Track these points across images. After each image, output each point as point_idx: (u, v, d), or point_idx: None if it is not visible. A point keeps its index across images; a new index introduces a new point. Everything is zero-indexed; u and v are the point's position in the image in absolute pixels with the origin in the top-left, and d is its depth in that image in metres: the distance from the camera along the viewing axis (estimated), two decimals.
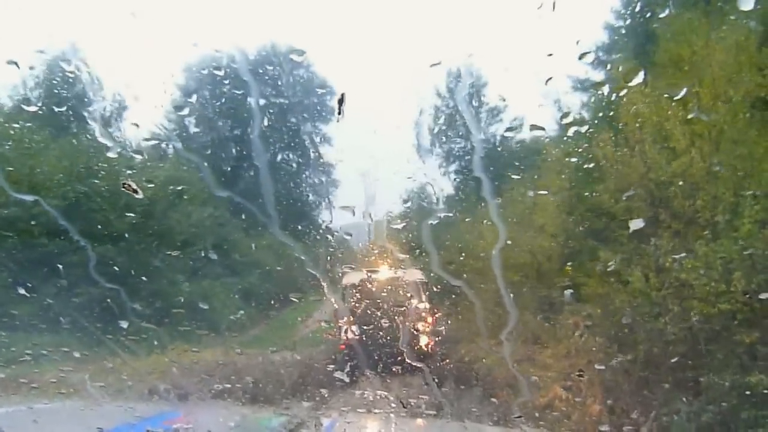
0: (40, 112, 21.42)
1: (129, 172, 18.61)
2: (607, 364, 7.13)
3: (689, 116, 8.70)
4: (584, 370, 7.58)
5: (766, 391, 5.34)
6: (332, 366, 13.24)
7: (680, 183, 8.60)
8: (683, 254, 6.97)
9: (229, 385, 10.77)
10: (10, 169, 15.45)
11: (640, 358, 6.94)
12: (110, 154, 20.81)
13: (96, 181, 17.70)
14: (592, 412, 6.82)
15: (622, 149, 10.34)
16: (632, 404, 6.58)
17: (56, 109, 21.34)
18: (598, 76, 22.57)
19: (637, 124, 9.95)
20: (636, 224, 7.48)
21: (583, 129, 14.07)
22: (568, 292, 8.54)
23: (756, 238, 6.33)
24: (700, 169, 8.21)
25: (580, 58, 23.26)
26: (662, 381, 6.54)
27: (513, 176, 16.31)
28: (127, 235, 17.70)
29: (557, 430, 6.92)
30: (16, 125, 18.80)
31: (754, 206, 6.56)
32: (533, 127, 31.59)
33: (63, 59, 23.19)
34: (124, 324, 11.17)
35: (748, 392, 5.50)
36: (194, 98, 33.56)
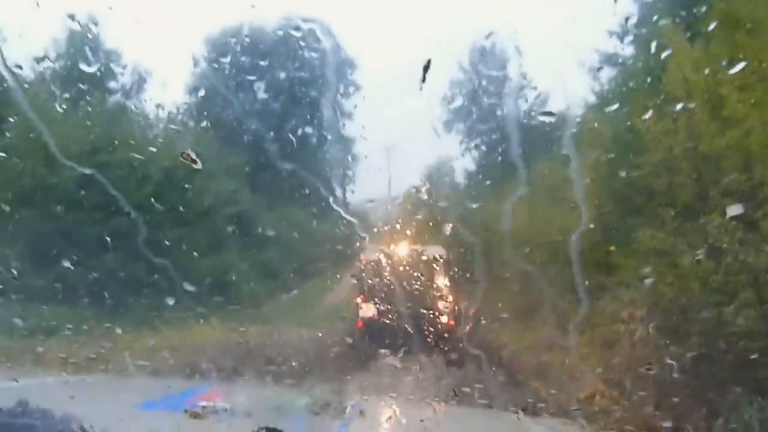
0: (61, 81, 21.18)
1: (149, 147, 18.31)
2: (655, 357, 6.43)
3: (745, 83, 7.87)
4: (626, 363, 6.90)
5: None
6: (350, 346, 12.83)
7: (734, 156, 7.78)
8: (742, 235, 6.19)
9: (238, 366, 10.43)
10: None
11: (696, 353, 6.19)
12: (130, 126, 20.59)
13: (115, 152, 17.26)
14: (645, 413, 6.06)
15: (665, 121, 9.49)
16: (690, 407, 5.84)
17: (77, 82, 21.06)
18: (628, 50, 21.44)
19: (684, 92, 9.09)
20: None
21: (622, 100, 13.24)
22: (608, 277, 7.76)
23: None
24: (759, 140, 7.36)
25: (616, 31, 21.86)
26: (728, 382, 5.77)
27: (546, 152, 15.51)
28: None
29: (594, 427, 6.28)
30: (40, 96, 18.56)
31: None
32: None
33: (86, 31, 22.84)
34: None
35: None
36: (215, 71, 33.20)
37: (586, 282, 6.55)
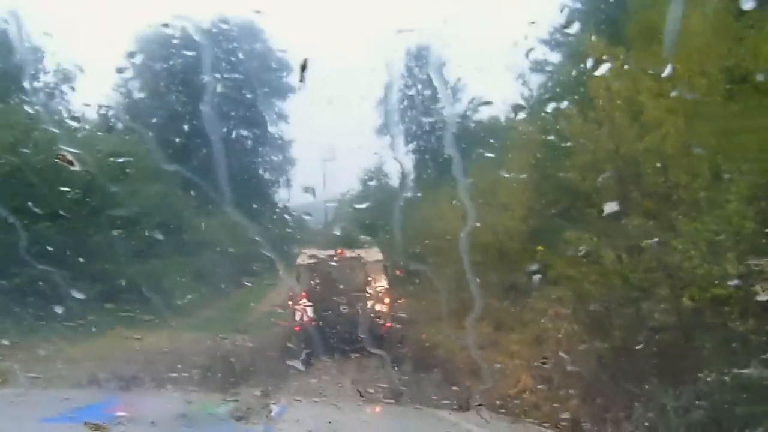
0: None
1: (66, 148, 17.42)
2: (580, 352, 6.68)
3: (661, 91, 8.33)
4: (555, 359, 7.14)
5: (762, 386, 4.90)
6: (286, 351, 12.65)
7: (652, 160, 8.20)
8: (660, 234, 6.53)
9: (174, 374, 10.09)
10: None
11: (618, 347, 6.48)
12: (50, 127, 19.54)
13: (30, 153, 16.37)
14: (564, 403, 6.32)
15: (590, 125, 9.93)
16: (612, 398, 6.12)
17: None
18: (555, 57, 22.31)
19: (606, 100, 9.53)
20: (610, 207, 6.97)
21: (550, 106, 13.71)
22: (536, 275, 8.04)
23: (744, 216, 5.92)
24: (674, 145, 7.79)
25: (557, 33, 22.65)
26: (646, 373, 6.08)
27: (478, 155, 15.85)
28: (67, 213, 16.54)
29: (524, 420, 6.46)
30: None
31: (739, 182, 6.15)
32: (484, 103, 31.15)
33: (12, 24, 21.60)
34: (59, 309, 10.34)
35: (742, 386, 5.06)
36: (144, 70, 32.06)
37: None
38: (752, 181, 6.03)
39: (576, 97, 11.63)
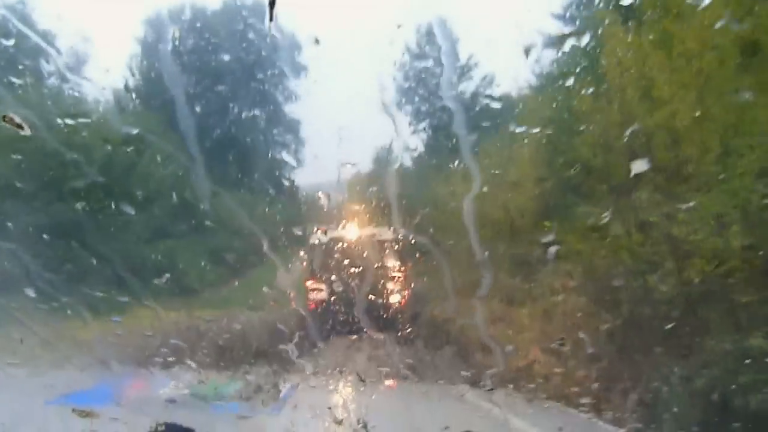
0: None
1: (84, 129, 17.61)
2: (590, 326, 6.80)
3: (672, 65, 8.29)
4: (564, 333, 7.26)
5: (764, 354, 5.02)
6: (299, 328, 12.85)
7: (663, 135, 8.20)
8: (668, 209, 6.59)
9: (189, 350, 10.28)
10: None
11: (626, 320, 6.60)
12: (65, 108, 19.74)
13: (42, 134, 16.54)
14: (573, 375, 6.48)
15: (601, 100, 9.91)
16: (620, 369, 6.26)
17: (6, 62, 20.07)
18: (571, 29, 22.06)
19: (618, 74, 9.51)
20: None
21: (561, 81, 13.64)
22: (552, 249, 8.11)
23: (751, 190, 5.96)
24: (685, 119, 7.79)
25: None
26: (652, 344, 6.21)
27: (490, 133, 15.85)
28: (83, 196, 16.80)
29: (536, 394, 6.60)
30: None
31: (749, 156, 6.17)
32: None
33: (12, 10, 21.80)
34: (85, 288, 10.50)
35: (744, 356, 5.18)
36: (157, 52, 32.16)
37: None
38: (761, 155, 6.04)
39: (587, 72, 11.59)
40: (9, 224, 12.15)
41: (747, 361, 5.09)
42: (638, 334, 6.58)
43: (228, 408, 6.02)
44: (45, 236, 13.39)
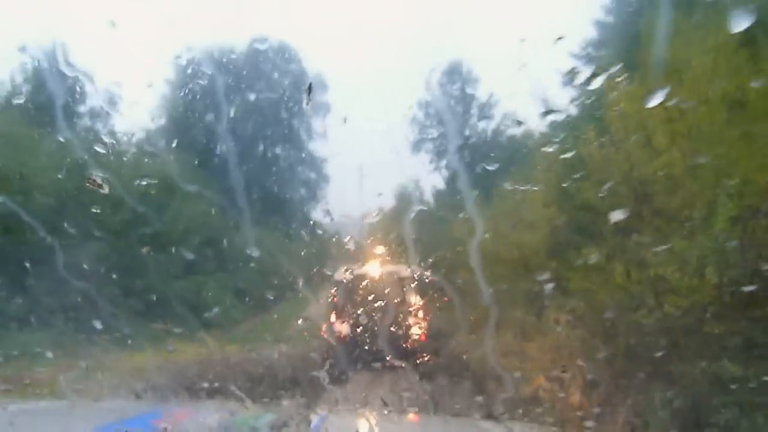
0: (28, 107, 21.46)
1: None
2: (589, 357, 7.44)
3: (669, 117, 8.98)
4: (567, 363, 7.87)
5: (733, 379, 5.67)
6: (324, 362, 13.40)
7: (661, 180, 8.87)
8: (661, 249, 7.25)
9: (217, 384, 10.81)
10: None
11: (621, 351, 7.26)
12: (100, 150, 20.81)
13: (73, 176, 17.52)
14: (573, 401, 7.13)
15: (606, 147, 10.62)
16: (611, 393, 6.92)
17: (43, 107, 21.31)
18: (587, 72, 22.92)
19: (621, 123, 10.24)
20: (616, 216, 7.73)
21: (570, 126, 14.38)
22: (550, 285, 8.80)
23: (729, 234, 6.62)
24: (680, 167, 8.46)
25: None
26: (640, 371, 6.88)
27: (507, 172, 16.56)
28: (118, 235, 17.75)
29: (542, 419, 7.19)
30: (4, 121, 18.78)
31: (728, 203, 6.84)
32: (517, 123, 31.77)
33: (50, 56, 23.22)
34: (98, 324, 11.08)
35: (717, 380, 5.84)
36: (184, 94, 33.45)
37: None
38: (738, 202, 6.71)
39: (596, 117, 12.30)
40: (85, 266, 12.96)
41: (718, 385, 5.73)
42: (629, 363, 7.24)
43: None
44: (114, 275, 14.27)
